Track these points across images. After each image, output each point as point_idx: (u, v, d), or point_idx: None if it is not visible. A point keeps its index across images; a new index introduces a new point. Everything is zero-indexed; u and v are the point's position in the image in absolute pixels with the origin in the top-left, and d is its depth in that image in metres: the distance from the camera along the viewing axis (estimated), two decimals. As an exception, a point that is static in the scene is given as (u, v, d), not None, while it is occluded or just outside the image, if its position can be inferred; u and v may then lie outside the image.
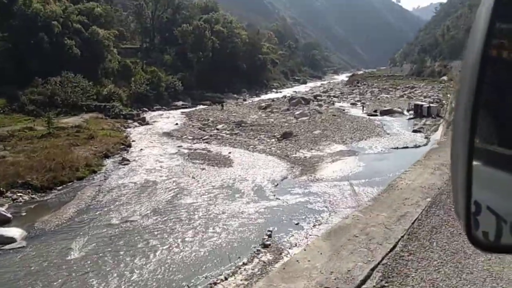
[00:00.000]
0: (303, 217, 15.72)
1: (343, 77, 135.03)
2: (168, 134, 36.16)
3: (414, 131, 33.10)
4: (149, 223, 15.44)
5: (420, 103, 42.42)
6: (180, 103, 63.20)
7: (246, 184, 20.22)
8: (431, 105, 40.29)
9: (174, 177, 21.78)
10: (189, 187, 19.93)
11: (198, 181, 20.96)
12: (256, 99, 73.23)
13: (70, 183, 20.81)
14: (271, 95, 78.72)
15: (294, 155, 25.97)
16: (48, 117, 31.84)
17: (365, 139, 30.51)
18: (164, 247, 13.31)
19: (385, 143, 29.11)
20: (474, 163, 0.95)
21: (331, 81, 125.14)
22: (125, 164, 24.83)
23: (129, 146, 30.75)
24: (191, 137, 34.06)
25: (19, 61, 44.49)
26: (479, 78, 0.89)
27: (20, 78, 42.50)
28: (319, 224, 14.96)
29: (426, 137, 30.37)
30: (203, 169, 23.32)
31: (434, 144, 22.94)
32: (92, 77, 51.77)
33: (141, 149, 29.64)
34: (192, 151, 28.67)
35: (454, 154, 0.97)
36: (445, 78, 75.34)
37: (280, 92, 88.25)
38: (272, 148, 28.45)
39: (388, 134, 32.71)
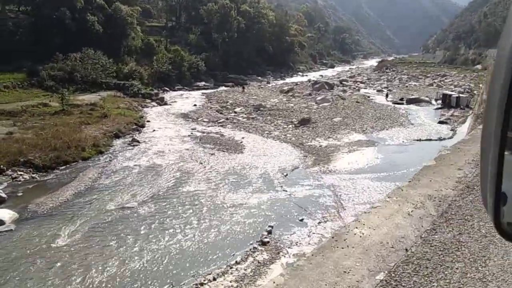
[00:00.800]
0: (309, 212, 14.62)
1: (373, 62, 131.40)
2: (184, 116, 35.36)
3: (440, 122, 31.28)
4: (144, 211, 14.63)
5: (449, 92, 40.27)
6: (202, 83, 62.34)
7: (254, 173, 19.20)
8: (461, 95, 38.11)
9: (181, 162, 20.95)
10: (194, 173, 19.06)
11: (205, 167, 20.05)
12: (281, 82, 71.72)
13: (74, 163, 20.24)
14: (297, 79, 77.09)
15: (309, 143, 24.74)
16: (62, 93, 31.39)
17: (387, 129, 28.94)
18: (155, 239, 12.49)
19: (408, 134, 27.50)
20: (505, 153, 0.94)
21: (360, 66, 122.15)
22: (134, 146, 24.15)
23: (143, 126, 30.12)
24: (206, 120, 33.17)
25: (41, 36, 44.29)
26: None
27: (41, 53, 42.32)
28: (325, 222, 13.86)
29: (452, 129, 28.61)
30: (213, 154, 22.39)
31: (456, 141, 21.32)
32: (115, 54, 51.33)
33: (154, 130, 28.95)
34: (205, 134, 27.78)
35: (485, 144, 0.95)
36: (479, 67, 72.01)
37: (306, 75, 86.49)
38: (288, 135, 27.26)
39: (412, 124, 31.01)
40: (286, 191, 16.73)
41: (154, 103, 42.01)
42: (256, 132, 28.43)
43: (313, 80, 58.51)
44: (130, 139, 25.47)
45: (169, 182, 17.79)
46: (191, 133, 27.86)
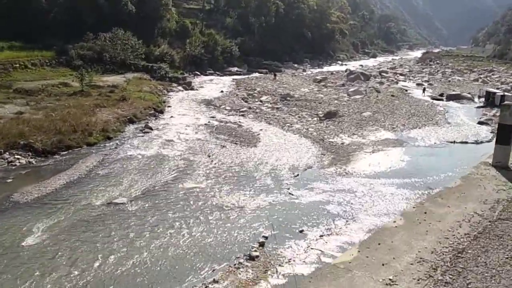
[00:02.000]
0: (313, 222, 13.00)
1: (418, 53, 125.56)
2: (207, 102, 34.15)
3: (480, 122, 28.55)
4: (132, 209, 13.44)
5: (493, 90, 36.98)
6: (235, 69, 60.99)
7: (263, 170, 17.68)
8: (506, 93, 34.84)
9: (188, 153, 19.69)
10: (199, 167, 17.74)
11: (212, 160, 18.70)
12: (317, 70, 69.49)
13: (77, 149, 19.38)
14: (335, 67, 74.48)
15: (330, 140, 22.90)
16: (81, 74, 30.73)
17: (420, 127, 26.60)
18: (129, 245, 11.23)
19: (442, 134, 25.11)
20: None
21: (404, 57, 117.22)
22: (145, 132, 23.10)
23: (161, 112, 29.13)
24: (229, 108, 31.80)
25: (74, 15, 43.91)
26: None
27: (73, 33, 42.04)
28: (328, 235, 12.21)
29: (492, 131, 25.92)
30: (224, 146, 20.99)
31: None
32: (148, 36, 50.64)
33: (172, 117, 27.88)
34: (222, 123, 26.43)
35: None
36: (532, 63, 66.84)
37: (345, 65, 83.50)
38: (310, 129, 25.47)
39: (448, 123, 28.47)
40: (292, 194, 15.11)
41: (180, 88, 41.03)
42: (277, 124, 26.80)
43: (349, 70, 55.73)
44: (144, 125, 24.43)
45: (169, 176, 16.55)
46: (209, 122, 26.57)
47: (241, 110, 30.96)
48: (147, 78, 40.63)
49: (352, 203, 14.55)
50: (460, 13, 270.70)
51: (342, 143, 22.32)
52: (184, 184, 15.69)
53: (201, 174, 16.92)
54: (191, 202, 14.13)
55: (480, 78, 55.11)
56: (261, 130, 24.82)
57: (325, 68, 73.76)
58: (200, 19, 68.85)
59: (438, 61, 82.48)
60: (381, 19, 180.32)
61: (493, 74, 59.24)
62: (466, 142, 23.43)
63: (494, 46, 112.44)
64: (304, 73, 62.69)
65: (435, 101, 37.19)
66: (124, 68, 42.15)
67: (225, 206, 13.88)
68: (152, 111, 27.99)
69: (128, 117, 25.05)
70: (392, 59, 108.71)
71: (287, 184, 16.13)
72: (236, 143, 21.61)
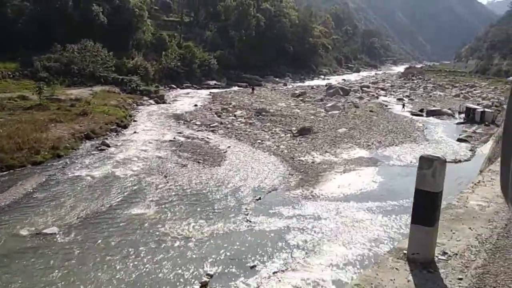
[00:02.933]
0: (268, 255, 11.41)
1: (402, 68, 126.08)
2: (178, 117, 32.55)
3: (460, 140, 27.41)
4: (63, 240, 11.71)
5: (473, 106, 36.12)
6: (213, 82, 59.61)
7: (222, 193, 16.07)
8: (486, 109, 33.96)
9: (143, 173, 17.99)
10: (151, 190, 16.05)
11: (167, 182, 17.03)
12: (299, 84, 68.50)
13: (20, 169, 17.54)
14: (317, 82, 73.47)
15: (301, 158, 21.42)
16: (39, 87, 28.90)
17: (397, 145, 25.34)
18: (47, 285, 9.50)
19: (419, 152, 23.72)
20: None
21: (387, 72, 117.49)
22: (101, 150, 21.34)
23: (125, 127, 27.41)
24: (199, 123, 30.23)
25: (41, 25, 42.17)
26: None
27: (40, 44, 40.25)
28: (283, 271, 10.64)
29: (471, 149, 24.80)
30: (185, 165, 19.35)
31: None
32: (122, 47, 49.14)
33: (135, 132, 26.19)
34: (189, 140, 24.81)
35: (508, 139, 0.95)
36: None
37: (328, 79, 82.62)
38: (281, 146, 23.99)
39: (427, 140, 27.29)
40: (250, 221, 13.52)
41: (152, 101, 39.38)
42: (247, 140, 25.27)
43: (328, 85, 54.75)
44: (101, 141, 22.66)
45: (115, 200, 14.82)
46: (174, 138, 24.92)
47: (211, 125, 29.42)
48: (117, 91, 38.93)
49: (315, 231, 13.02)
50: (443, 29, 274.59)
51: (313, 162, 20.86)
52: (130, 210, 13.99)
53: (152, 198, 15.23)
54: (132, 233, 12.44)
55: (462, 93, 54.59)
56: (229, 147, 23.26)
57: (307, 83, 72.80)
58: (179, 31, 67.59)
59: (420, 76, 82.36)
60: (364, 34, 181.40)
61: (474, 90, 58.89)
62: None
63: (476, 61, 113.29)
64: (285, 87, 61.58)
65: (414, 117, 36.17)
66: (93, 80, 40.38)
67: (172, 237, 12.23)
68: (114, 126, 26.25)
69: (85, 133, 23.26)
70: (375, 73, 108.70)
71: (246, 209, 14.54)
72: (199, 162, 19.98)
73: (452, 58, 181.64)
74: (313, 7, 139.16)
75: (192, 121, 30.84)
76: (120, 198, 15.00)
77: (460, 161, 22.18)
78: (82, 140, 22.56)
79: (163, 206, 14.54)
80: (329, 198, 16.02)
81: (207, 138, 25.55)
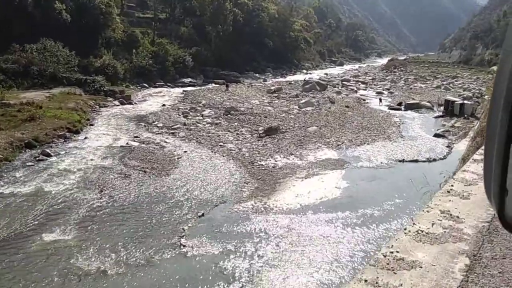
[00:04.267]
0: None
1: (386, 61, 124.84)
2: (140, 118, 30.47)
3: (436, 135, 25.74)
4: None
5: (452, 98, 34.45)
6: (188, 80, 57.48)
7: (160, 210, 14.10)
8: (466, 102, 32.34)
9: (77, 188, 15.92)
10: (79, 209, 14.00)
11: (101, 198, 15.01)
12: (279, 80, 66.50)
13: None
14: (299, 77, 71.50)
15: (262, 162, 19.53)
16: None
17: (369, 143, 23.57)
18: None
19: (392, 151, 22.10)
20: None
21: (371, 65, 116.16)
22: (39, 160, 19.20)
23: (77, 132, 25.24)
24: (161, 125, 28.18)
25: (1, 25, 39.64)
26: None
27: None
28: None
29: (448, 146, 23.12)
30: (127, 176, 17.33)
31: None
32: (90, 46, 46.77)
33: (86, 138, 24.04)
34: (143, 145, 22.74)
35: (490, 136, 0.95)
36: (495, 68, 65.51)
37: (310, 73, 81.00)
38: (243, 149, 22.08)
39: (402, 137, 25.56)
40: (184, 246, 11.59)
41: (116, 102, 37.16)
42: (208, 143, 23.32)
43: (305, 80, 52.91)
44: (41, 151, 20.51)
45: (32, 224, 12.78)
46: (127, 143, 22.84)
47: (173, 127, 27.40)
48: (79, 92, 36.61)
49: (259, 255, 11.16)
50: (427, 21, 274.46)
51: (274, 166, 18.99)
52: (44, 237, 11.97)
53: (77, 219, 13.22)
54: (39, 266, 10.45)
55: (443, 84, 53.07)
56: (185, 152, 21.30)
57: (288, 78, 70.88)
58: (154, 28, 65.19)
59: (402, 68, 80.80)
60: (348, 27, 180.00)
61: (456, 81, 57.46)
62: (417, 161, 20.40)
63: (460, 51, 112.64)
64: (265, 83, 59.59)
65: (392, 111, 34.48)
66: (55, 82, 38.01)
67: (84, 272, 10.26)
68: (64, 132, 24.06)
69: (26, 141, 21.08)
70: (359, 66, 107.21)
71: (184, 229, 12.60)
72: (145, 171, 17.97)
73: (437, 49, 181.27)
74: (296, 1, 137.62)
75: (154, 123, 28.79)
76: (38, 221, 12.95)
77: (434, 159, 20.47)
78: (21, 149, 20.39)
79: (86, 229, 12.55)
80: (283, 210, 14.15)
81: (165, 142, 23.55)
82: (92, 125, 27.88)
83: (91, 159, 19.64)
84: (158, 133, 25.82)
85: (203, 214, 13.67)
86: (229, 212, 13.98)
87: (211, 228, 12.72)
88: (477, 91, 43.45)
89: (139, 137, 24.52)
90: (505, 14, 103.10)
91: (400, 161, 20.33)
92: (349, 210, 14.34)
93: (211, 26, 69.10)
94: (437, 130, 27.11)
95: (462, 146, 21.88)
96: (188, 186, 16.27)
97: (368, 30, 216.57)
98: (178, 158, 20.10)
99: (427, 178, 16.46)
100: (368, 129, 27.09)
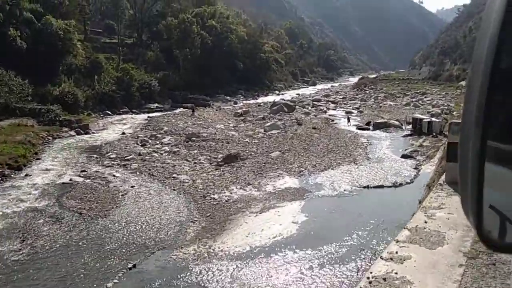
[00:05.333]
0: None
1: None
2: (93, 150, 28.53)
3: (404, 156, 24.54)
4: None
5: (420, 116, 33.56)
6: (155, 105, 55.72)
7: (85, 261, 12.16)
8: (433, 119, 31.45)
9: (-4, 237, 13.89)
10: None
11: (21, 249, 12.93)
12: (251, 102, 65.42)
13: None
14: (271, 98, 70.51)
15: (215, 196, 17.82)
16: None
17: (333, 168, 22.13)
18: None
19: (357, 176, 20.68)
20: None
21: (343, 83, 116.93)
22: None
23: (19, 168, 23.07)
24: (114, 156, 26.25)
25: None
26: (492, 73, 0.87)
27: None
28: None
29: (416, 167, 21.89)
30: (60, 220, 15.27)
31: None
32: (49, 74, 44.68)
33: (27, 175, 21.87)
34: (89, 180, 20.74)
35: (464, 152, 0.94)
36: (463, 83, 65.88)
37: (282, 94, 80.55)
38: (198, 180, 20.33)
39: (368, 159, 24.28)
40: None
41: (72, 132, 35.03)
42: (160, 175, 21.49)
43: (273, 102, 51.81)
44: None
45: None
46: (71, 179, 20.84)
47: (127, 158, 25.51)
48: (31, 123, 34.39)
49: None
50: (397, 39, 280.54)
51: (228, 200, 17.29)
52: None
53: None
54: None
55: (412, 101, 52.67)
56: (132, 187, 19.43)
57: (260, 99, 69.85)
58: (120, 53, 63.45)
59: (372, 86, 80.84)
60: (320, 48, 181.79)
61: (425, 97, 57.30)
62: (382, 186, 19.01)
63: (429, 68, 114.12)
64: (235, 106, 58.25)
65: (360, 131, 33.41)
66: (7, 113, 35.71)
67: None
68: (3, 169, 21.93)
69: (-47, 182, 18.96)
70: (332, 86, 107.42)
71: (106, 287, 10.72)
72: (81, 213, 16.00)
73: (407, 66, 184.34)
74: (268, 23, 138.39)
75: (107, 154, 26.86)
76: None
77: (401, 184, 19.13)
78: None
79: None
80: (229, 255, 12.41)
81: (113, 176, 21.61)
82: (39, 159, 25.74)
83: (24, 201, 17.55)
84: (109, 166, 23.87)
85: (134, 266, 11.80)
86: (165, 261, 12.15)
87: (140, 283, 10.89)
88: (446, 107, 42.95)
89: (86, 172, 22.51)
90: (470, 30, 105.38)
91: (364, 187, 18.89)
92: (305, 249, 12.74)
93: (179, 50, 67.84)
94: (405, 150, 25.95)
95: (429, 167, 20.71)
96: (125, 230, 14.40)
97: (340, 49, 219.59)
98: (122, 195, 18.21)
99: (390, 208, 15.14)
100: (334, 152, 25.75)
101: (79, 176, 21.60)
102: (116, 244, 13.23)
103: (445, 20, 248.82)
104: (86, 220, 15.33)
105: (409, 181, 19.52)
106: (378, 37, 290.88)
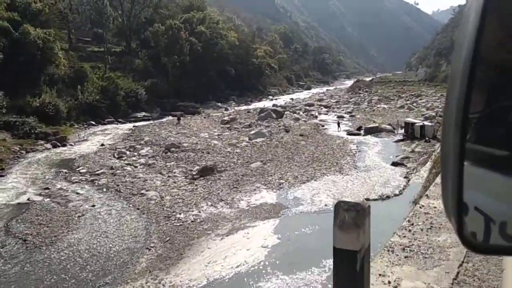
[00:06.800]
0: None
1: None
2: (65, 164, 26.75)
3: (394, 163, 22.77)
4: None
5: (412, 120, 31.77)
6: (142, 114, 53.98)
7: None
8: (426, 123, 29.69)
9: None
10: None
11: None
12: (242, 108, 63.63)
13: None
14: (264, 103, 68.82)
15: (181, 215, 16.03)
16: None
17: (316, 179, 20.35)
18: None
19: (341, 187, 18.91)
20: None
21: (338, 87, 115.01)
22: None
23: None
24: (85, 170, 24.47)
25: None
26: (470, 75, 0.86)
27: None
28: None
29: (406, 177, 20.12)
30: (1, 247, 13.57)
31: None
32: (30, 85, 42.97)
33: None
34: (47, 199, 18.92)
35: (445, 154, 0.95)
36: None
37: (276, 99, 78.79)
38: (166, 197, 18.54)
39: (356, 168, 22.51)
40: None
41: (48, 145, 33.28)
42: (128, 192, 19.69)
43: (261, 108, 50.13)
44: None
45: None
46: (28, 199, 19.06)
47: (97, 172, 23.73)
48: (3, 137, 32.65)
49: None
50: (393, 41, 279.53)
51: (194, 220, 15.50)
52: None
53: None
54: None
55: (407, 104, 50.96)
56: (93, 207, 17.64)
57: (254, 105, 68.12)
58: (107, 62, 61.82)
59: (367, 89, 79.18)
60: (315, 51, 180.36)
61: (420, 99, 55.54)
62: (368, 199, 17.22)
63: (425, 69, 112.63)
64: (225, 113, 56.51)
65: (350, 137, 31.68)
66: (-18, 126, 34.10)
67: None
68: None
69: None
70: (327, 89, 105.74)
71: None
72: (25, 240, 14.18)
73: (404, 68, 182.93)
74: (262, 28, 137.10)
75: (78, 169, 25.08)
76: None
77: (388, 197, 17.33)
78: None
79: None
80: (182, 290, 10.62)
81: (77, 193, 19.84)
82: (3, 176, 23.97)
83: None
84: (76, 182, 22.09)
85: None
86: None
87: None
88: (441, 109, 41.15)
89: (49, 189, 20.71)
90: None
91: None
92: (273, 279, 10.97)
93: (167, 57, 66.18)
94: (396, 156, 24.19)
95: (421, 176, 18.92)
96: (70, 260, 12.60)
97: (335, 53, 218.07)
98: (79, 217, 16.40)
99: (375, 226, 13.15)
100: (320, 160, 23.98)
101: (40, 194, 19.82)
102: (54, 279, 11.43)
103: (441, 21, 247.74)
104: (28, 248, 13.51)
105: (397, 192, 17.73)
106: (374, 40, 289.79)
